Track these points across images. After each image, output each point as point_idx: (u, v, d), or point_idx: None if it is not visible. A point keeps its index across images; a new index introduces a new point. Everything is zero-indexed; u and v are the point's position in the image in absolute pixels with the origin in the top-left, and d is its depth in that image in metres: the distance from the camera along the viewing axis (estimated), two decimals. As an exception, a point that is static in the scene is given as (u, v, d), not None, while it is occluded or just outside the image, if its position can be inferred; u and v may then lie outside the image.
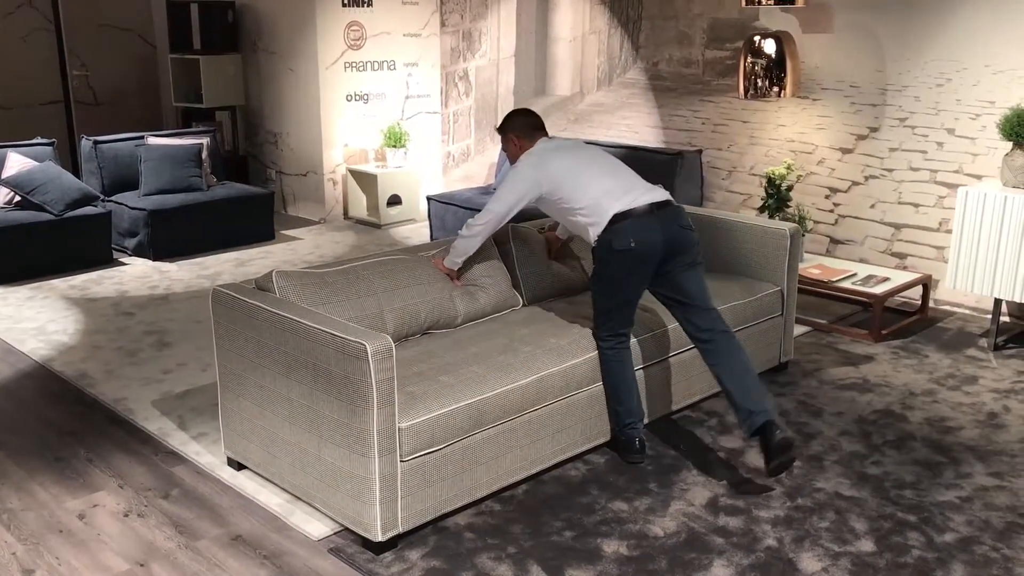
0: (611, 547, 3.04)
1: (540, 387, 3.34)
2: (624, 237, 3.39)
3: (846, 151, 5.78)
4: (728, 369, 3.40)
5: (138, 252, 6.67)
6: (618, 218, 3.42)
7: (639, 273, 3.45)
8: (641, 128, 6.84)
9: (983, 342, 4.94)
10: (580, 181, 3.54)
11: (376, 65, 7.78)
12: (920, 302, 5.37)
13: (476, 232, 3.73)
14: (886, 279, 5.21)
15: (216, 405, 3.57)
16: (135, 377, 4.47)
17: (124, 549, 3.04)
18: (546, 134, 3.82)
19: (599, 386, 3.58)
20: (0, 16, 8.00)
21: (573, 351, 3.50)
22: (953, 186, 5.30)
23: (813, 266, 5.40)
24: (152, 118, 8.87)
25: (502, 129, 3.86)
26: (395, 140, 7.61)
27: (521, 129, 3.81)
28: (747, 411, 3.32)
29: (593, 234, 3.48)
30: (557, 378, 3.40)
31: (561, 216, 3.68)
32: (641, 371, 3.74)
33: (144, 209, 6.53)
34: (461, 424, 3.08)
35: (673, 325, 3.84)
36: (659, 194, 3.52)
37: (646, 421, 3.82)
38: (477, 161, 7.99)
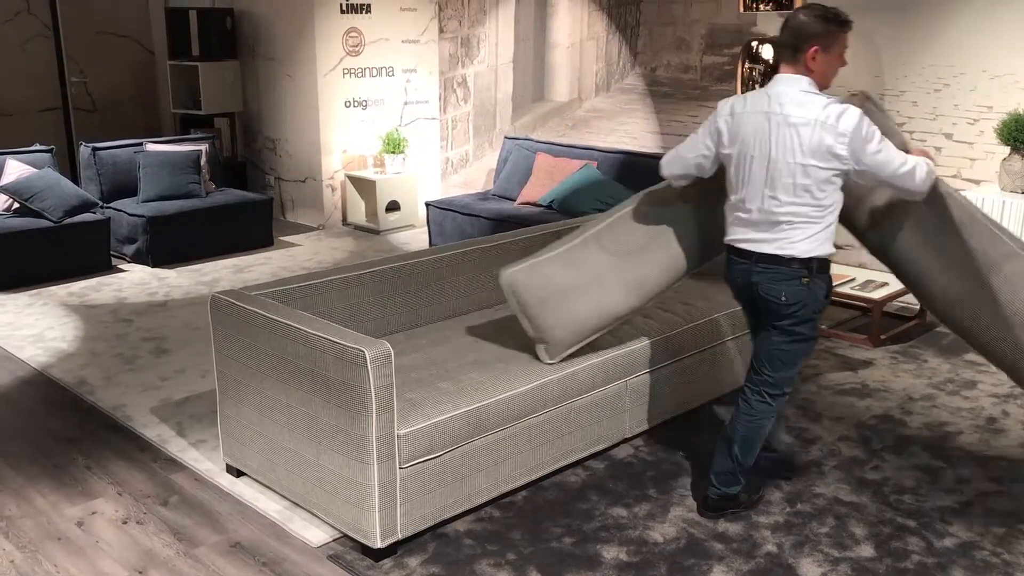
0: (611, 553, 3.03)
1: (539, 394, 3.33)
2: (727, 268, 3.18)
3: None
4: (727, 434, 3.24)
5: (137, 259, 6.66)
6: (727, 247, 3.15)
7: (741, 302, 3.28)
8: (640, 134, 6.84)
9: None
10: (742, 169, 2.99)
11: (375, 71, 7.79)
12: (919, 307, 5.37)
13: (665, 174, 3.30)
14: (885, 284, 5.21)
15: (215, 412, 3.57)
16: (134, 384, 4.47)
17: (123, 556, 3.04)
18: (794, 65, 2.91)
19: (599, 392, 3.57)
20: (-1, 23, 8.02)
21: (572, 358, 3.50)
22: (951, 191, 5.30)
23: (812, 271, 5.39)
24: (151, 125, 8.87)
25: None
26: (394, 146, 7.62)
27: (777, 44, 3.18)
28: (710, 478, 3.27)
29: None
30: (556, 385, 3.39)
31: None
32: (640, 377, 3.73)
33: (143, 216, 6.52)
34: (460, 431, 3.08)
35: (670, 333, 3.84)
36: (769, 246, 2.98)
37: (645, 428, 3.82)
38: (476, 167, 7.99)
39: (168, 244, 6.60)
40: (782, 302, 2.99)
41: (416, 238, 7.47)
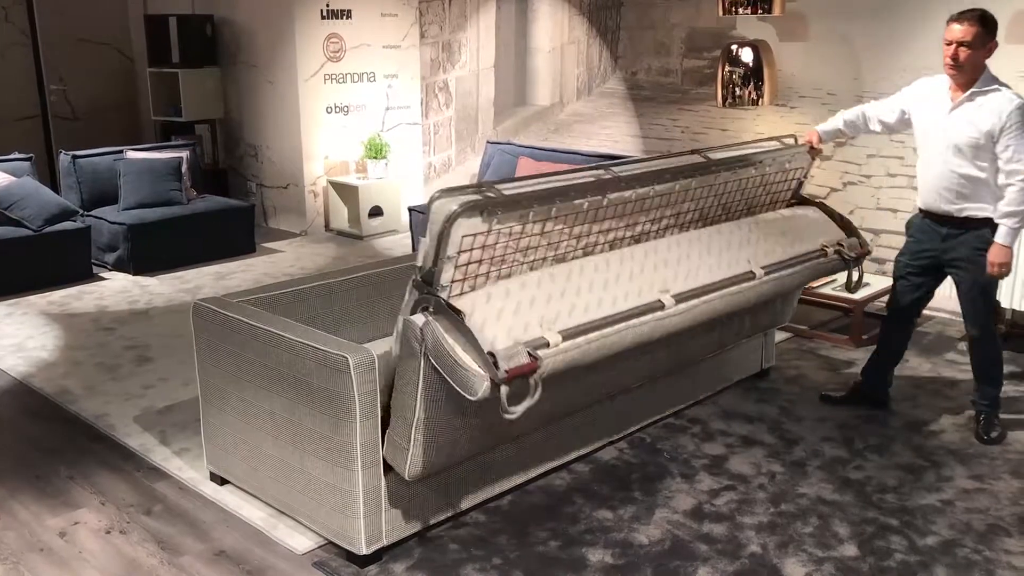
0: (596, 556, 3.04)
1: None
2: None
3: (824, 158, 5.81)
4: None
5: (118, 267, 6.63)
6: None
7: None
8: (621, 137, 6.87)
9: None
10: None
11: (356, 77, 7.79)
12: (899, 307, 5.40)
13: None
14: (866, 284, 5.24)
15: (198, 420, 3.55)
16: (116, 393, 4.44)
17: (106, 566, 3.02)
18: None
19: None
20: (-24, 31, 7.96)
21: (605, 425, 3.53)
22: (930, 192, 5.34)
23: (793, 273, 5.42)
24: (131, 132, 8.83)
25: (993, 28, 3.56)
26: (376, 151, 7.61)
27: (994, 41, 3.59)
28: None
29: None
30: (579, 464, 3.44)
31: (990, 178, 3.62)
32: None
33: (124, 223, 6.49)
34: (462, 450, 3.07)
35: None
36: None
37: (629, 431, 3.83)
38: (458, 172, 7.99)
39: (149, 252, 6.57)
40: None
41: (399, 243, 7.46)
